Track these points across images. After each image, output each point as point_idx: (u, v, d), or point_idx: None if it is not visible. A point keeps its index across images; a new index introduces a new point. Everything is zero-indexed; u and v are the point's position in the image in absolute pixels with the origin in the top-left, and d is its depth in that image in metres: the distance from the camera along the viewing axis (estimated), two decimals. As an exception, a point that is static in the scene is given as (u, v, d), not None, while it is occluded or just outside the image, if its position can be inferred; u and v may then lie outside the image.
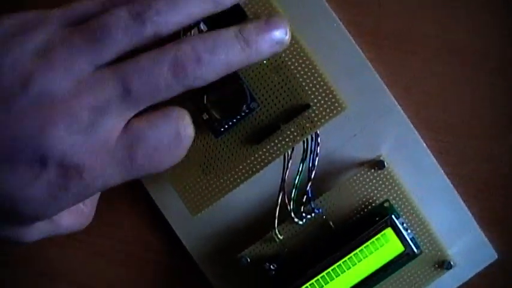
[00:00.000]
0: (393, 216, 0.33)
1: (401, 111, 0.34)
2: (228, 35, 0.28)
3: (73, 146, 0.26)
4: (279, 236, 0.34)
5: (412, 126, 0.34)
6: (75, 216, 0.30)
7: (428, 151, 0.34)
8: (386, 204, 0.34)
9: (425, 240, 0.34)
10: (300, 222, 0.33)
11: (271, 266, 0.34)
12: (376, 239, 0.33)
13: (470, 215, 0.35)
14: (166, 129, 0.28)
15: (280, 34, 0.29)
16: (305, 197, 0.32)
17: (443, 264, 0.34)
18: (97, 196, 0.32)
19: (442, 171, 0.35)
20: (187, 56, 0.27)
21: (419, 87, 0.35)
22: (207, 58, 0.27)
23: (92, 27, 0.26)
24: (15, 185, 0.26)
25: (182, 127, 0.28)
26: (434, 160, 0.35)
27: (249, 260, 0.34)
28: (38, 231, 0.29)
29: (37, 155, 0.26)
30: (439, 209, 0.35)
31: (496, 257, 0.35)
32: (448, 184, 0.35)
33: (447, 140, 0.35)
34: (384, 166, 0.33)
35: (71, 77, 0.26)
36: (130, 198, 0.37)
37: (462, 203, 0.35)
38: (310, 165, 0.32)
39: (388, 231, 0.33)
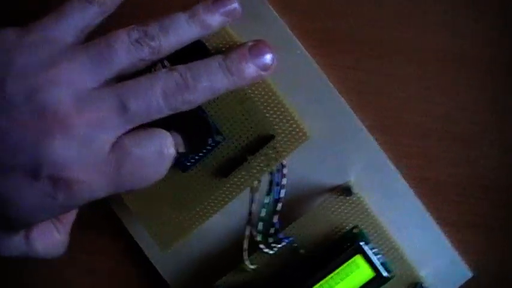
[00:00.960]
0: (361, 243, 0.33)
1: (371, 138, 0.34)
2: (212, 64, 0.30)
3: (67, 158, 0.27)
4: (249, 266, 0.34)
5: (379, 148, 0.34)
6: (50, 242, 0.32)
7: (398, 173, 0.35)
8: (355, 231, 0.34)
9: (397, 264, 0.34)
10: (270, 252, 0.34)
11: (226, 288, 0.34)
12: (346, 266, 0.33)
13: (442, 235, 0.35)
14: (151, 148, 0.30)
15: (264, 60, 0.30)
16: (272, 230, 0.33)
17: (416, 287, 0.34)
18: (70, 224, 0.33)
19: (412, 192, 0.35)
20: (177, 82, 0.29)
21: (387, 109, 0.35)
22: (192, 85, 0.29)
23: (98, 46, 0.29)
24: (8, 190, 0.28)
25: (165, 147, 0.30)
26: (404, 181, 0.35)
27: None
28: (14, 246, 0.31)
29: (32, 164, 0.27)
30: (411, 231, 0.35)
31: (471, 275, 0.35)
32: (418, 205, 0.35)
33: (417, 163, 0.35)
34: (352, 193, 0.34)
35: (74, 92, 0.28)
36: (109, 230, 0.38)
37: (434, 223, 0.35)
38: (277, 197, 0.32)
39: (358, 258, 0.33)
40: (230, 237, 0.35)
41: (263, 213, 0.32)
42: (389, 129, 0.35)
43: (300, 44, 0.34)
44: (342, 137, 0.34)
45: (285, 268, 0.34)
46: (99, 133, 0.28)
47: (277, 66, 0.33)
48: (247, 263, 0.33)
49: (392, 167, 0.35)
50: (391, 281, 0.34)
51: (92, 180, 0.28)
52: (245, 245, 0.33)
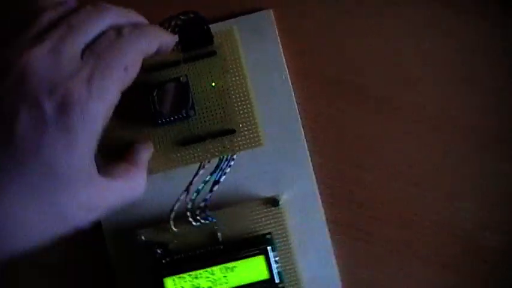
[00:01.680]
0: (269, 248, 0.38)
1: (311, 168, 0.40)
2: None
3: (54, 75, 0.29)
4: (173, 227, 0.39)
5: (315, 183, 0.40)
6: (126, 177, 0.34)
7: (322, 210, 0.40)
8: (268, 236, 0.39)
9: (291, 279, 0.40)
10: (194, 223, 0.39)
11: (158, 250, 0.39)
12: (248, 261, 0.38)
13: (338, 279, 0.40)
14: None
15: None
16: (202, 203, 0.38)
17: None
18: (145, 162, 0.37)
19: (327, 230, 0.40)
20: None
21: (338, 148, 0.40)
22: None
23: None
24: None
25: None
26: (324, 219, 0.40)
27: (143, 239, 0.40)
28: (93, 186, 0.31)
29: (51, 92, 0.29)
30: (312, 260, 0.40)
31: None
32: (328, 243, 0.40)
33: (341, 205, 0.41)
34: (278, 205, 0.39)
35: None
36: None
37: (334, 263, 0.40)
38: (216, 179, 0.38)
39: (260, 258, 0.38)
40: (166, 198, 0.39)
41: (200, 187, 0.38)
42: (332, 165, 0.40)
43: (286, 71, 0.40)
44: (291, 160, 0.40)
45: (199, 244, 0.39)
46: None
47: (260, 79, 0.39)
48: (171, 222, 0.39)
49: (319, 201, 0.40)
50: None
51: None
52: (175, 207, 0.38)
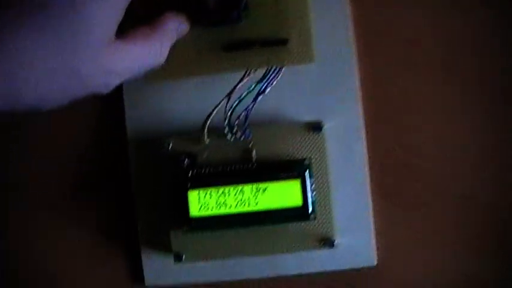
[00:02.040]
0: (307, 173, 0.36)
1: (359, 101, 0.37)
2: None
3: None
4: (206, 138, 0.36)
5: (362, 120, 0.37)
6: (144, 41, 0.31)
7: (364, 147, 0.37)
8: (306, 162, 0.36)
9: (322, 213, 0.36)
10: (229, 137, 0.36)
11: (186, 161, 0.36)
12: (282, 183, 0.35)
13: (371, 217, 0.37)
14: None
15: None
16: (243, 113, 0.35)
17: (326, 241, 0.37)
18: (171, 32, 0.33)
19: (367, 169, 0.37)
20: None
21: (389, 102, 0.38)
22: None
23: None
24: None
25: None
26: (365, 157, 0.37)
27: (171, 147, 0.37)
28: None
29: None
30: (347, 196, 0.37)
31: (375, 263, 0.37)
32: (365, 182, 0.37)
33: (388, 145, 0.38)
34: (320, 130, 0.36)
35: None
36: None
37: (370, 207, 0.37)
38: (261, 89, 0.35)
39: (296, 183, 0.35)
40: (200, 107, 0.36)
41: (243, 94, 0.35)
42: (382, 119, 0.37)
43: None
44: (338, 84, 0.37)
45: (230, 160, 0.37)
46: None
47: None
48: (205, 133, 0.36)
49: (363, 140, 0.37)
50: (308, 223, 0.36)
51: None
52: (213, 113, 0.35)
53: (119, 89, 0.37)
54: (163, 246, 0.38)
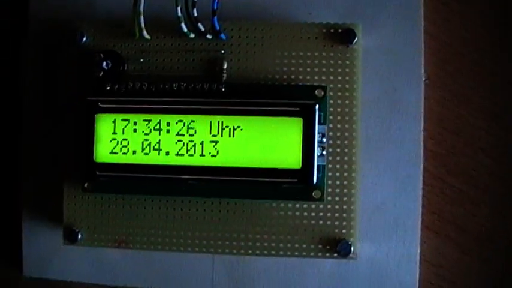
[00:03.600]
0: (317, 112, 0.19)
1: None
2: None
3: None
4: (144, 32, 0.20)
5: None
6: None
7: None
8: (319, 93, 0.20)
9: (340, 189, 0.21)
10: (185, 30, 0.20)
11: (104, 63, 0.20)
12: (269, 122, 0.19)
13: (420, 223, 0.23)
14: None
15: None
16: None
17: (337, 245, 0.20)
18: None
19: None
20: None
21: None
22: None
23: None
24: None
25: None
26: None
27: (84, 40, 0.21)
28: None
29: None
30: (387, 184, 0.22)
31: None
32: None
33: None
34: (352, 42, 0.20)
35: None
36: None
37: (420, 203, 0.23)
38: None
39: (294, 125, 0.19)
40: None
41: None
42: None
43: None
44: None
45: (183, 74, 0.21)
46: None
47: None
48: (141, 19, 0.20)
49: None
50: (308, 208, 0.20)
51: None
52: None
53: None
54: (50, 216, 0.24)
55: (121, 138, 0.21)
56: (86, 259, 0.24)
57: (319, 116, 0.21)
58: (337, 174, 0.21)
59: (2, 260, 0.27)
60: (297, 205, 0.22)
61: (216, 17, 0.21)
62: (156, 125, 0.21)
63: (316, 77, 0.22)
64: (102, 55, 0.22)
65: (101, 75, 0.22)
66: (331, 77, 0.22)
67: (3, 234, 0.27)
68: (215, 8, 0.21)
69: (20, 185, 0.26)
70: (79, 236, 0.23)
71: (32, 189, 0.25)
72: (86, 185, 0.22)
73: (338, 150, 0.22)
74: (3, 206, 0.27)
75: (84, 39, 0.23)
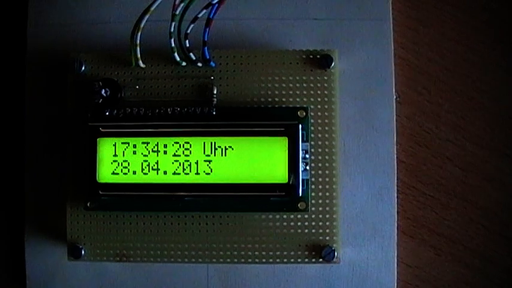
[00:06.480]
0: (300, 131, 0.21)
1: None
2: None
3: None
4: (139, 61, 0.22)
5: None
6: None
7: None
8: (301, 113, 0.22)
9: (320, 204, 0.22)
10: (177, 58, 0.22)
11: (102, 91, 0.22)
12: (257, 142, 0.21)
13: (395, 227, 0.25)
14: None
15: None
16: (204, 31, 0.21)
17: (322, 251, 0.22)
18: None
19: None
20: None
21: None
22: None
23: None
24: None
25: None
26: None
27: (83, 68, 0.23)
28: None
29: None
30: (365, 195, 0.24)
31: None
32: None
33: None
34: (329, 66, 0.22)
35: None
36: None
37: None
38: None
39: (281, 144, 0.21)
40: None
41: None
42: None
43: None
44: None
45: (177, 100, 0.22)
46: None
47: None
48: (137, 50, 0.22)
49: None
50: (294, 218, 0.22)
51: None
52: (151, 8, 0.20)
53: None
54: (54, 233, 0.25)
55: (122, 160, 0.22)
56: (87, 273, 0.26)
57: (302, 134, 0.23)
58: (320, 186, 0.23)
59: (7, 277, 0.29)
60: (284, 216, 0.23)
61: (206, 47, 0.23)
62: (154, 147, 0.22)
63: (298, 99, 0.24)
64: (100, 83, 0.24)
65: (100, 101, 0.24)
66: (312, 99, 0.24)
67: (7, 251, 0.28)
68: (205, 39, 0.24)
69: (23, 204, 0.27)
70: (83, 252, 0.25)
71: (35, 208, 0.25)
72: (88, 204, 0.23)
73: (320, 165, 0.24)
74: (8, 224, 0.27)
75: (83, 68, 0.24)
